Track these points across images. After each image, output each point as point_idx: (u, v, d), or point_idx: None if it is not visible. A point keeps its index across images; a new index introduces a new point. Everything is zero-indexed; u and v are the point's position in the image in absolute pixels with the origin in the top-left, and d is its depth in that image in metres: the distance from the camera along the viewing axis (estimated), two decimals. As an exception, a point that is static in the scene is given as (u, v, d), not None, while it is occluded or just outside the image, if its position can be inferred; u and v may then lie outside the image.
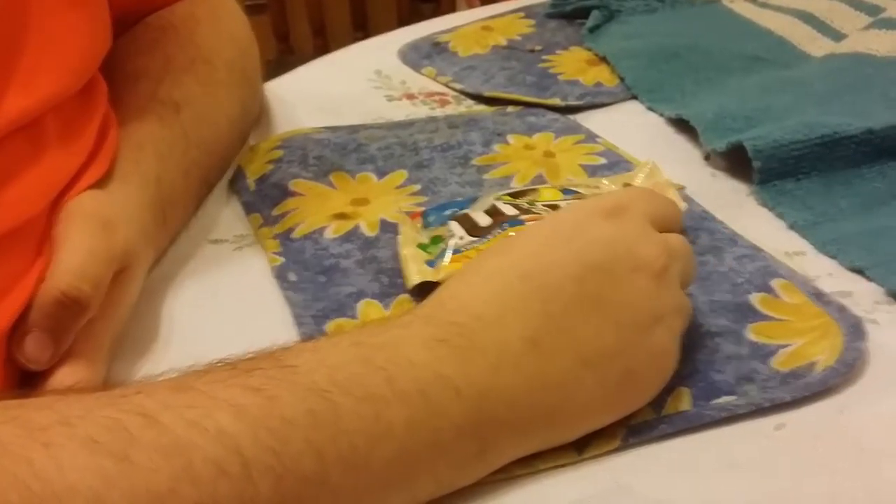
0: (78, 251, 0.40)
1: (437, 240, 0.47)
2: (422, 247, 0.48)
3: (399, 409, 0.32)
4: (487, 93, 0.69)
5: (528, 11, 0.84)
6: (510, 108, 0.67)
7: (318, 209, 0.53)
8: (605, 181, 0.54)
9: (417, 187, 0.56)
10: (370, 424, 0.32)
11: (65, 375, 0.39)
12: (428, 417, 0.33)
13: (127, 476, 0.28)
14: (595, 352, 0.36)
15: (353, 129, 0.63)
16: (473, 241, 0.46)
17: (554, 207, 0.48)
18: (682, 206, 0.51)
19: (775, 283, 0.46)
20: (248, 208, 0.55)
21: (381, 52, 0.78)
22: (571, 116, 0.66)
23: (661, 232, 0.40)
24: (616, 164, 0.58)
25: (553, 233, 0.38)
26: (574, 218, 0.39)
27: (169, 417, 0.29)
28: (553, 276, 0.36)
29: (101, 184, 0.45)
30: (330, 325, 0.44)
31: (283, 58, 1.69)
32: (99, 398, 0.31)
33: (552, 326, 0.35)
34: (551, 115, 0.65)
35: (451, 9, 1.68)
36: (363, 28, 1.73)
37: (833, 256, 0.49)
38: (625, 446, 0.37)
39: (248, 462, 0.29)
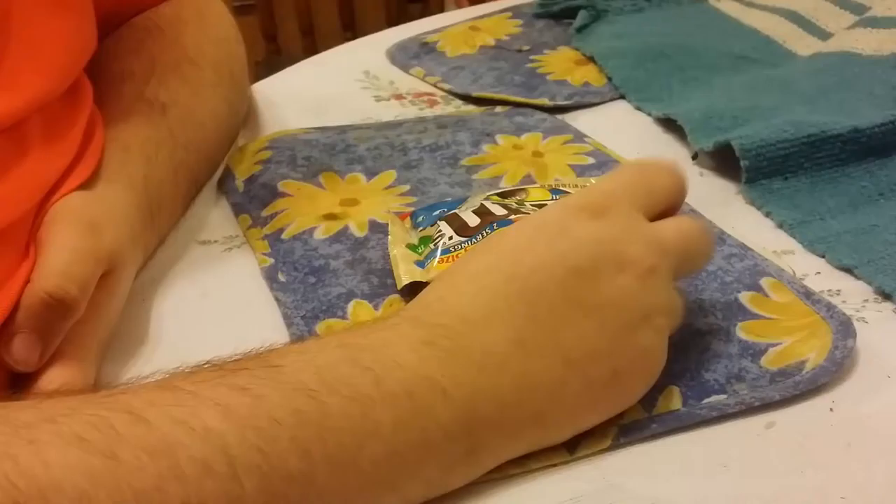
0: (64, 252, 0.40)
1: (426, 240, 0.47)
2: (411, 247, 0.48)
3: (386, 410, 0.32)
4: (476, 93, 0.69)
5: (515, 11, 0.84)
6: (498, 109, 0.67)
7: (307, 210, 0.53)
8: (593, 181, 0.54)
9: (406, 188, 0.56)
10: (357, 424, 0.32)
11: (54, 376, 0.39)
12: (415, 418, 0.33)
13: (113, 474, 0.27)
14: (580, 353, 0.35)
15: (342, 129, 0.63)
16: (463, 242, 0.46)
17: (542, 207, 0.48)
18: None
19: (764, 282, 0.46)
20: (237, 209, 0.55)
21: (370, 52, 0.77)
22: (559, 116, 0.66)
23: (660, 213, 0.39)
24: (604, 163, 0.58)
25: (537, 232, 0.38)
26: (558, 217, 0.38)
27: (155, 415, 0.29)
28: (537, 279, 0.36)
29: (87, 185, 0.45)
30: (320, 326, 0.44)
31: (271, 58, 1.69)
32: (85, 398, 0.31)
33: (537, 328, 0.35)
34: (539, 115, 0.65)
35: (440, 9, 1.68)
36: (351, 28, 1.73)
37: (821, 255, 0.49)
38: (616, 446, 0.37)
39: (235, 461, 0.29)
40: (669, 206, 0.41)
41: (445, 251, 0.46)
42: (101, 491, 0.27)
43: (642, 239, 0.38)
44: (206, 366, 0.33)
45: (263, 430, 0.30)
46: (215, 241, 0.53)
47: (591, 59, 0.73)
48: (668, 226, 0.40)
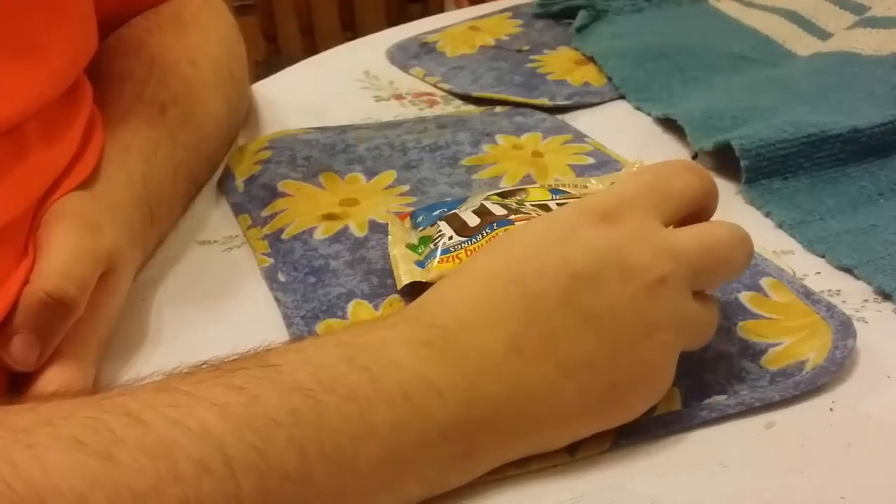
0: (63, 252, 0.40)
1: (426, 240, 0.47)
2: (411, 247, 0.48)
3: (383, 410, 0.32)
4: (476, 93, 0.69)
5: (515, 11, 0.84)
6: (498, 109, 0.67)
7: (307, 210, 0.53)
8: (593, 181, 0.54)
9: (406, 188, 0.56)
10: (354, 424, 0.32)
11: (53, 376, 0.39)
12: (412, 419, 0.33)
13: (111, 476, 0.27)
14: (576, 363, 0.35)
15: (342, 129, 0.63)
16: (463, 242, 0.46)
17: (543, 207, 0.48)
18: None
19: (764, 282, 0.46)
20: (237, 209, 0.55)
21: (370, 52, 0.77)
22: (559, 116, 0.66)
23: (686, 217, 0.37)
24: (604, 163, 0.58)
25: (545, 234, 0.37)
26: (568, 219, 0.37)
27: (152, 417, 0.29)
28: (539, 284, 0.35)
29: (86, 184, 0.45)
30: (320, 326, 0.44)
31: (271, 58, 1.69)
32: (82, 401, 0.31)
33: (535, 335, 0.35)
34: (539, 115, 0.65)
35: (440, 9, 1.68)
36: (351, 28, 1.74)
37: (821, 255, 0.49)
38: (615, 447, 0.37)
39: (232, 460, 0.29)
40: (697, 209, 0.39)
41: (445, 251, 0.46)
42: (100, 493, 0.27)
43: (653, 246, 0.36)
44: (203, 366, 0.33)
45: (260, 429, 0.30)
46: (215, 241, 0.53)
47: (591, 59, 0.73)
48: (689, 232, 0.38)
